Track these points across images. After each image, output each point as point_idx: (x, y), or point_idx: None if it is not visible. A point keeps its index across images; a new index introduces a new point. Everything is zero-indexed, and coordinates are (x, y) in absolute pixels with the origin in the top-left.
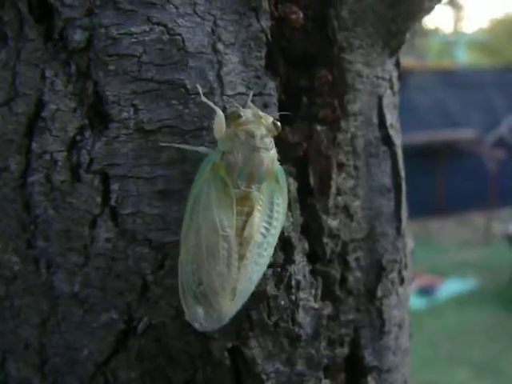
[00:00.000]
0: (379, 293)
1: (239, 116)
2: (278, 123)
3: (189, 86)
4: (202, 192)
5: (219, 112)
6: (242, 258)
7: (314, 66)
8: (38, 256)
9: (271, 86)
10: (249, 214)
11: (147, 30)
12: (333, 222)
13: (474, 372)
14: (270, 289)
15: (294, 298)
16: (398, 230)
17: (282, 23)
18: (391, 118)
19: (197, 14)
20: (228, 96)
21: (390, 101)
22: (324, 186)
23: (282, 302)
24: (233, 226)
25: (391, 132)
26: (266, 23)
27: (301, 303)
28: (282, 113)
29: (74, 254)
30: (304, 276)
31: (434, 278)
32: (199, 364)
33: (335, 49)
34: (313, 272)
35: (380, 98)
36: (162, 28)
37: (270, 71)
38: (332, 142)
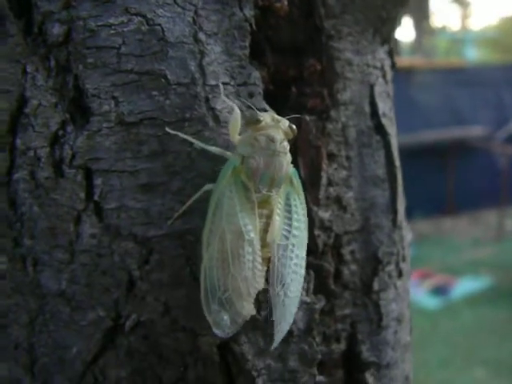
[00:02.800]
0: (376, 286)
1: (258, 120)
2: (294, 127)
3: (169, 77)
4: (224, 197)
5: (237, 110)
6: (266, 261)
7: (302, 55)
8: (24, 254)
9: (256, 75)
10: (268, 217)
11: (125, 20)
12: (324, 214)
13: (491, 371)
14: (266, 285)
15: None
16: (394, 221)
17: (266, 12)
18: (384, 106)
19: (177, 3)
20: (210, 86)
21: (382, 89)
22: (314, 177)
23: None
24: (256, 229)
25: (384, 121)
26: (249, 12)
27: None
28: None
29: (60, 251)
30: None
31: (448, 277)
32: (190, 361)
33: (323, 37)
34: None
35: (372, 87)
36: (140, 18)
37: (257, 61)
38: (321, 131)
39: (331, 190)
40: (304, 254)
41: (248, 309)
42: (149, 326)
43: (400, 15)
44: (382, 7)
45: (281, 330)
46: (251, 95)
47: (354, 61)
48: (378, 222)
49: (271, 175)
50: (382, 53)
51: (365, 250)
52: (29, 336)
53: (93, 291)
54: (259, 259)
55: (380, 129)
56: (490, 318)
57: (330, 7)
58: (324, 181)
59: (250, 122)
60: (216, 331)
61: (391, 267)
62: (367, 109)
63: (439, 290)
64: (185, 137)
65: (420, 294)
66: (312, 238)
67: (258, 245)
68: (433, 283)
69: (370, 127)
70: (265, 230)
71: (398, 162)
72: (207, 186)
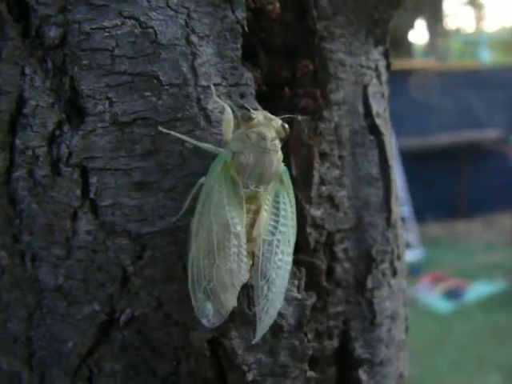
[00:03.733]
0: (369, 284)
1: (251, 118)
2: (287, 126)
3: (162, 78)
4: (213, 190)
5: (228, 109)
6: (251, 254)
7: (295, 56)
8: (23, 250)
9: (248, 76)
10: (256, 213)
11: (119, 23)
12: (316, 212)
13: (505, 375)
14: (250, 279)
15: None
16: (388, 220)
17: (259, 15)
18: (378, 107)
19: (170, 7)
20: (202, 87)
21: (376, 90)
22: (306, 176)
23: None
24: (243, 223)
25: (378, 121)
26: (241, 14)
27: None
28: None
29: (57, 247)
30: None
31: (462, 280)
32: (182, 356)
33: (316, 38)
34: (296, 262)
35: (365, 87)
36: (133, 22)
37: (250, 63)
38: (314, 131)
39: (323, 188)
40: (290, 250)
41: (232, 301)
42: (142, 321)
43: (393, 17)
44: (374, 9)
45: (264, 325)
46: (243, 96)
47: (347, 61)
48: (372, 220)
49: (260, 172)
50: (376, 54)
51: (358, 248)
52: (27, 330)
53: (88, 286)
54: (245, 252)
55: (374, 128)
56: (504, 323)
57: (322, 9)
58: (316, 179)
59: (243, 120)
60: (202, 320)
61: (385, 265)
62: (361, 109)
63: (452, 294)
64: (177, 135)
65: (433, 297)
66: (304, 236)
67: (243, 238)
68: (446, 287)
69: (363, 127)
70: (251, 224)
71: (392, 162)
72: (202, 179)
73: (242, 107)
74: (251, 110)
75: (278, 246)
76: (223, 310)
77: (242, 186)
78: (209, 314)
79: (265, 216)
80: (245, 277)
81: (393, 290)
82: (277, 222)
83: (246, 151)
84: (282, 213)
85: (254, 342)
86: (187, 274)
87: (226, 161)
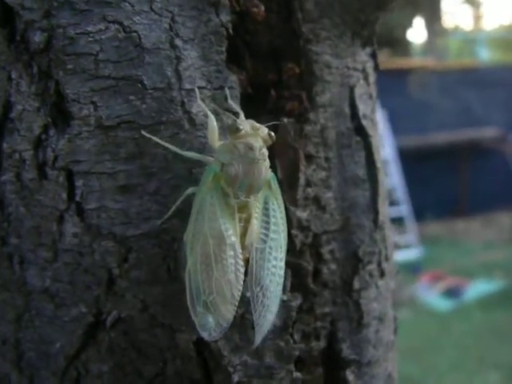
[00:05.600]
0: (356, 285)
1: (238, 129)
2: (273, 133)
3: (146, 82)
4: (205, 202)
5: (211, 117)
6: (244, 262)
7: (280, 58)
8: (11, 252)
9: (233, 79)
10: (247, 221)
11: (103, 28)
12: (302, 214)
13: (505, 374)
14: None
15: None
16: (375, 221)
17: (244, 17)
18: (365, 108)
19: (154, 11)
20: (186, 90)
21: (363, 91)
22: (292, 178)
23: (248, 294)
24: (237, 234)
25: (364, 123)
26: (225, 17)
27: None
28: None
29: (44, 250)
30: None
31: (461, 279)
32: (169, 357)
33: (301, 41)
34: None
35: (352, 89)
36: (117, 26)
37: (236, 65)
38: (299, 133)
39: (309, 190)
40: (283, 255)
41: (232, 312)
42: (129, 323)
43: (380, 19)
44: (360, 11)
45: (262, 330)
46: (227, 99)
47: (333, 64)
48: (359, 221)
49: (250, 182)
50: (363, 55)
51: (345, 250)
52: (16, 332)
53: (75, 289)
54: (241, 262)
55: (360, 130)
56: (503, 321)
57: (307, 12)
58: (302, 181)
59: (230, 131)
60: (202, 334)
61: (372, 266)
62: (347, 110)
63: (451, 293)
64: (162, 143)
65: (432, 296)
66: (289, 238)
67: (239, 248)
68: (445, 285)
69: (349, 129)
70: (243, 233)
71: (379, 164)
72: (190, 190)
73: (227, 110)
74: (237, 121)
75: (270, 253)
76: (224, 321)
77: (232, 197)
78: (210, 328)
79: (256, 224)
80: (241, 286)
81: (380, 291)
82: (267, 229)
83: (235, 162)
84: (273, 220)
85: (254, 347)
86: (185, 289)
87: (215, 172)
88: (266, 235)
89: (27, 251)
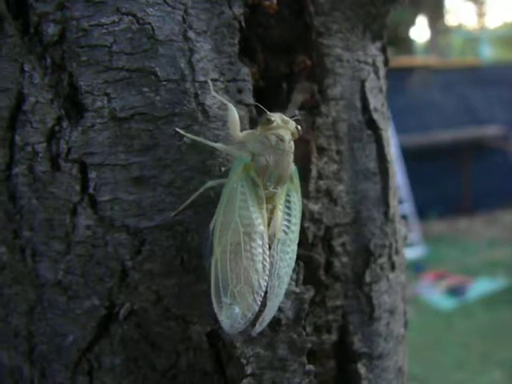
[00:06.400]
0: (368, 278)
1: (270, 121)
2: (299, 127)
3: (159, 74)
4: (236, 191)
5: (231, 107)
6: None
7: (292, 51)
8: (23, 245)
9: (245, 71)
10: (271, 212)
11: (117, 20)
12: (314, 206)
13: (508, 372)
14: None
15: None
16: (386, 214)
17: (256, 10)
18: (375, 101)
19: (167, 3)
20: (200, 82)
21: (374, 85)
22: (304, 171)
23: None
24: (265, 224)
25: (375, 116)
26: (238, 10)
27: None
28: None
29: (57, 243)
30: None
31: (464, 277)
32: (181, 349)
33: (313, 34)
34: None
35: (363, 82)
36: (131, 18)
37: (248, 58)
38: (311, 126)
39: (321, 183)
40: (296, 247)
41: (258, 302)
42: (142, 315)
43: (390, 12)
44: (371, 4)
45: (266, 319)
46: (240, 91)
47: (345, 57)
48: (370, 214)
49: (279, 173)
50: (374, 49)
51: (356, 243)
52: (28, 324)
53: (88, 281)
54: (267, 252)
55: (371, 123)
56: (506, 319)
57: (319, 5)
58: (314, 174)
59: (261, 122)
60: (224, 325)
61: (383, 259)
62: (358, 104)
63: (455, 291)
64: (193, 137)
65: (435, 294)
66: (302, 230)
67: (266, 238)
68: (448, 284)
69: (361, 122)
70: (268, 223)
71: (390, 157)
72: (210, 183)
73: (239, 102)
74: (268, 113)
75: (289, 246)
76: (250, 312)
77: (261, 188)
78: (236, 318)
79: (279, 215)
80: (267, 277)
81: (391, 284)
82: (289, 221)
83: (266, 153)
84: (293, 212)
85: (254, 333)
86: (209, 280)
87: (246, 162)
88: (288, 227)
89: (40, 244)
